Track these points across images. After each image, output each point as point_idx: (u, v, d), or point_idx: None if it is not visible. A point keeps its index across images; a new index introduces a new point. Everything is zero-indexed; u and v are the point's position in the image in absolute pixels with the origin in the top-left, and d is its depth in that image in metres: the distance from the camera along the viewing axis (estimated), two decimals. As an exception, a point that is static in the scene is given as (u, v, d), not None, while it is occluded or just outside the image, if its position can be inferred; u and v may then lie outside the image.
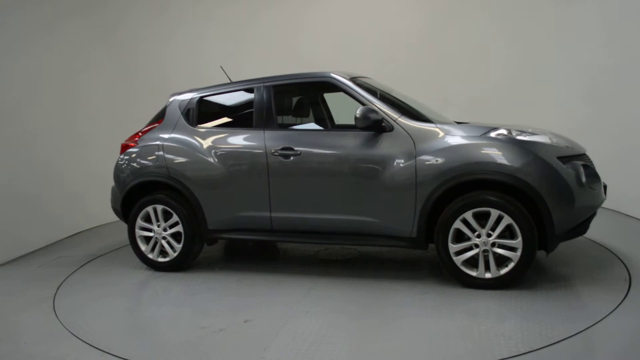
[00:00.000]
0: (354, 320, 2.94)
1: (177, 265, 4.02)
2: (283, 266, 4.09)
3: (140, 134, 4.28)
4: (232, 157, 3.81)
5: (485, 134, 3.25)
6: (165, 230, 3.99)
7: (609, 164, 5.26)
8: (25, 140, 5.08)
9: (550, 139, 3.24)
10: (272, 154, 3.65)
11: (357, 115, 3.31)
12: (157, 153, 4.05)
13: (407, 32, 6.91)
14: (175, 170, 3.95)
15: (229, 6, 6.91)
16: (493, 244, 3.17)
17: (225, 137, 3.90)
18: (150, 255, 4.06)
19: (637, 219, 4.99)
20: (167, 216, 3.99)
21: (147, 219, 4.06)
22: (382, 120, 3.36)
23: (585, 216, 3.20)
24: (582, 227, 3.22)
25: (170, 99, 4.27)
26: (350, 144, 3.48)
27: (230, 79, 4.23)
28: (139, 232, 4.07)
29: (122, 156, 4.27)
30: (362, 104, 3.47)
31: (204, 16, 6.88)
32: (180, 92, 4.28)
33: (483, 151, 3.16)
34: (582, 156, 3.33)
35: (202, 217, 3.90)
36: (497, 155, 3.13)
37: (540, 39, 6.17)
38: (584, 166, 3.20)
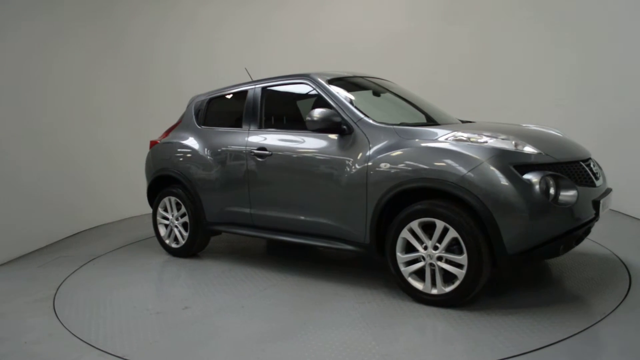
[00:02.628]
0: (274, 321, 2.93)
1: (185, 252, 4.45)
2: (277, 263, 4.09)
3: (167, 132, 4.73)
4: (222, 156, 4.10)
5: (441, 137, 2.96)
6: (177, 219, 4.44)
7: (609, 163, 5.27)
8: (24, 140, 5.08)
9: (515, 144, 2.81)
10: (250, 153, 3.84)
11: (307, 118, 3.32)
12: (170, 150, 4.51)
13: (409, 32, 6.92)
14: (182, 167, 4.36)
15: (239, 8, 6.93)
16: (440, 258, 2.89)
17: (219, 137, 4.18)
18: (167, 241, 4.56)
19: (637, 219, 4.99)
20: (179, 207, 4.44)
21: (166, 208, 4.54)
22: (339, 122, 3.29)
23: (550, 236, 2.72)
24: (550, 249, 2.75)
25: (190, 100, 4.66)
26: (315, 145, 3.48)
27: (252, 80, 4.30)
28: (159, 220, 4.60)
29: (149, 152, 4.79)
30: (329, 105, 3.46)
31: (213, 18, 6.90)
32: (199, 94, 4.63)
33: (431, 157, 2.89)
34: (560, 165, 2.85)
35: (202, 210, 4.23)
36: (443, 161, 2.83)
37: (541, 39, 6.17)
38: (554, 177, 2.73)
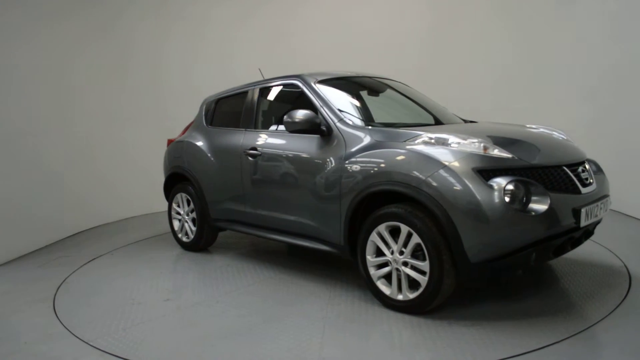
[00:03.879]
0: (240, 318, 3.01)
1: (194, 247, 4.63)
2: (277, 260, 4.10)
3: (183, 132, 4.93)
4: (222, 155, 4.24)
5: (410, 140, 2.88)
6: (187, 215, 4.65)
7: (609, 163, 5.27)
8: (24, 140, 5.08)
9: (483, 148, 2.68)
10: (243, 153, 3.94)
11: (285, 119, 3.34)
12: (182, 149, 4.73)
13: (409, 32, 6.93)
14: (190, 165, 4.56)
15: (226, 5, 6.91)
16: (405, 264, 2.84)
17: (222, 136, 4.31)
18: (179, 235, 4.79)
19: (637, 219, 4.99)
20: (189, 203, 4.63)
21: (179, 204, 4.76)
22: (319, 123, 3.31)
23: (518, 245, 2.55)
24: (519, 259, 2.58)
25: (203, 101, 4.83)
26: (299, 146, 3.50)
27: (263, 80, 4.33)
28: (173, 215, 4.83)
29: (166, 150, 5.02)
30: (313, 106, 3.48)
31: (200, 15, 6.88)
32: (210, 95, 4.79)
33: (396, 160, 2.84)
34: (534, 169, 2.68)
35: (206, 207, 4.40)
36: (407, 164, 2.76)
37: (541, 39, 6.18)
38: (524, 183, 2.56)
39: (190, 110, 6.77)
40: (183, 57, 6.93)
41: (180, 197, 4.71)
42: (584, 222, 2.71)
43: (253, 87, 4.21)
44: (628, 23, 5.07)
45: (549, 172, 2.73)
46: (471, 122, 3.92)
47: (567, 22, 5.89)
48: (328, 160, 3.24)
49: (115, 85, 6.53)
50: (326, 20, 7.06)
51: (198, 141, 4.53)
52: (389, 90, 4.11)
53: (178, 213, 4.78)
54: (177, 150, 4.79)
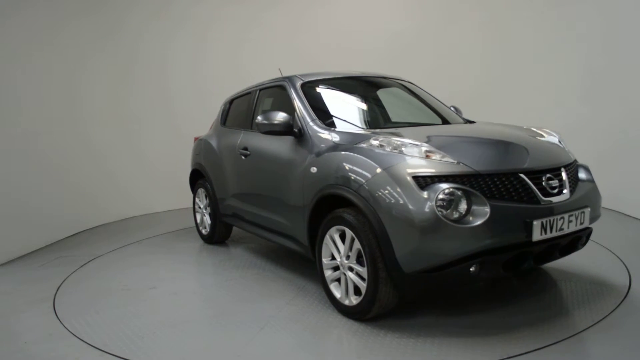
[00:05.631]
0: (199, 311, 3.25)
1: (210, 239, 4.91)
2: (279, 257, 4.10)
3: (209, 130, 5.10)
4: (226, 153, 4.39)
5: (361, 143, 2.82)
6: (205, 209, 4.90)
7: (609, 163, 5.28)
8: (25, 140, 5.08)
9: (425, 152, 2.57)
10: (238, 152, 4.10)
11: (256, 120, 3.43)
12: (201, 146, 4.95)
13: (407, 32, 6.93)
14: (205, 163, 4.80)
15: (231, 7, 6.91)
16: (351, 269, 2.80)
17: (228, 136, 4.46)
18: (200, 228, 5.06)
19: (637, 219, 4.99)
20: (207, 198, 4.85)
21: (200, 198, 5.04)
22: (291, 125, 3.34)
23: (454, 257, 2.37)
24: (458, 271, 2.40)
25: (224, 101, 5.00)
26: (277, 147, 3.56)
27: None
28: (197, 208, 5.11)
29: (193, 147, 5.24)
30: (292, 107, 3.53)
31: (205, 17, 6.88)
32: (231, 95, 4.92)
33: (343, 163, 2.81)
34: (481, 177, 2.47)
35: (217, 202, 4.61)
36: (351, 168, 2.73)
37: (540, 39, 6.18)
38: (462, 192, 2.38)
39: (197, 110, 6.77)
40: (190, 57, 6.92)
41: (201, 192, 4.98)
42: (537, 237, 2.45)
43: (255, 88, 4.33)
44: (626, 23, 5.07)
45: (500, 180, 2.50)
46: (470, 122, 3.92)
47: (567, 22, 5.89)
48: (298, 161, 3.27)
49: (122, 85, 6.54)
50: (334, 20, 7.05)
51: (212, 140, 4.73)
52: (396, 89, 4.11)
53: (199, 207, 5.04)
54: (197, 148, 5.05)
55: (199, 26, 6.87)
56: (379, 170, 2.57)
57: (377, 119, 3.87)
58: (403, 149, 2.62)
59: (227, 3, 6.90)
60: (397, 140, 2.69)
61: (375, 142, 2.75)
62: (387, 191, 2.49)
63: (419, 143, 2.64)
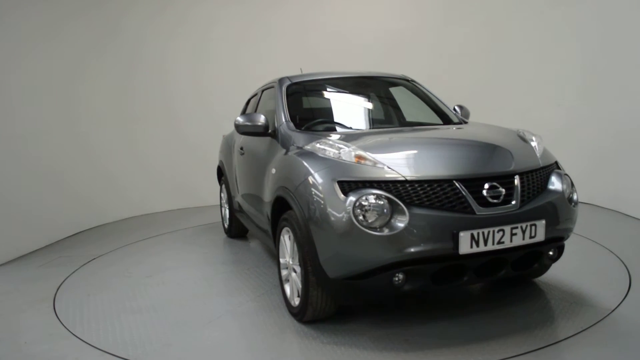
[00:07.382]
0: (168, 305, 3.31)
1: (229, 233, 5.16)
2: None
3: None
4: (234, 151, 4.60)
5: (307, 146, 2.83)
6: (226, 203, 5.13)
7: (609, 163, 5.28)
8: (25, 140, 5.08)
9: (355, 157, 2.52)
10: (238, 151, 4.35)
11: (235, 121, 3.50)
12: (223, 144, 5.24)
13: (407, 32, 6.93)
14: (224, 159, 5.07)
15: (231, 7, 6.90)
16: (295, 270, 2.79)
17: (237, 134, 4.55)
18: (223, 222, 5.38)
19: (637, 219, 4.99)
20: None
21: (224, 194, 5.27)
22: (266, 126, 3.40)
23: (372, 265, 2.32)
24: (379, 280, 2.34)
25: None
26: (258, 146, 3.69)
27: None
28: (222, 203, 5.38)
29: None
30: (276, 108, 3.60)
31: (205, 17, 6.87)
32: None
33: (287, 166, 2.88)
34: (409, 183, 2.36)
35: (230, 197, 4.84)
36: (290, 171, 2.80)
37: (539, 38, 6.18)
38: (383, 199, 2.30)
39: (197, 110, 6.78)
40: (190, 57, 6.90)
41: (223, 187, 5.23)
42: (466, 249, 2.31)
43: (262, 89, 4.43)
44: (625, 23, 5.07)
45: (431, 187, 2.37)
46: (463, 122, 3.87)
47: (567, 22, 5.89)
48: (269, 161, 3.32)
49: (122, 85, 6.53)
50: (334, 21, 7.03)
51: (230, 139, 4.92)
52: (401, 89, 4.11)
53: (224, 202, 5.28)
54: (221, 145, 5.32)
55: (199, 26, 6.86)
56: (309, 174, 2.57)
57: (362, 120, 3.85)
58: (340, 152, 2.59)
59: (227, 3, 6.89)
60: (334, 143, 2.69)
61: (318, 146, 2.74)
62: (313, 195, 2.50)
63: (352, 147, 2.60)
